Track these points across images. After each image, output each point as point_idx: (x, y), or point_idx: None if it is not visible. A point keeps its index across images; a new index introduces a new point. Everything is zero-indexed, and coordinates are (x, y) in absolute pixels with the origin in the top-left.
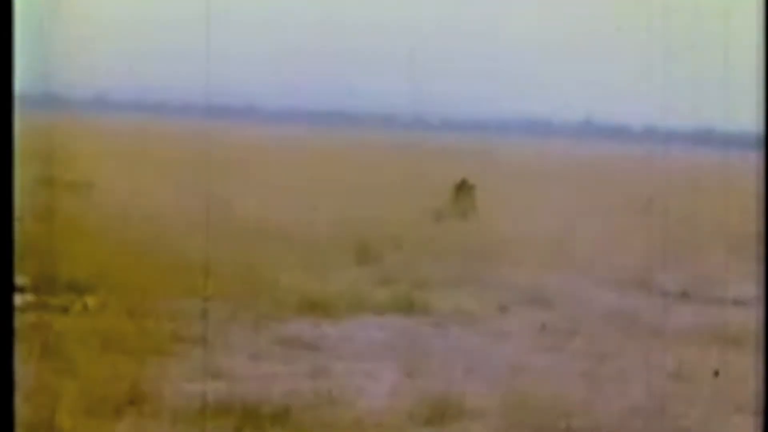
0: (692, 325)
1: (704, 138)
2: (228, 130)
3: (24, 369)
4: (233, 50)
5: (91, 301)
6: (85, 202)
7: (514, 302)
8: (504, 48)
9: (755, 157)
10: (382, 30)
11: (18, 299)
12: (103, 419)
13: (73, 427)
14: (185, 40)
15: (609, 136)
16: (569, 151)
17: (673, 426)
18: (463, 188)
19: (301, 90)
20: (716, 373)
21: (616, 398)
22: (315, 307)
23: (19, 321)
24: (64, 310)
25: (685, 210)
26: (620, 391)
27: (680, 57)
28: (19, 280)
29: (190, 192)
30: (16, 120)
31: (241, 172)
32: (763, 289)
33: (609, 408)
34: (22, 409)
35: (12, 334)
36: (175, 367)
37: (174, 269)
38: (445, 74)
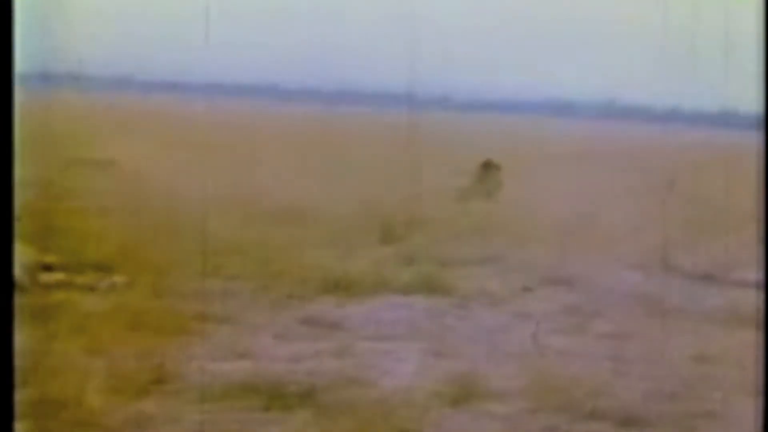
0: (715, 308)
1: (727, 119)
2: (249, 109)
3: (51, 347)
4: (250, 33)
5: (118, 279)
6: (111, 181)
7: (537, 283)
8: (528, 30)
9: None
10: (408, 10)
11: (46, 277)
12: (130, 398)
13: (101, 405)
14: (204, 23)
15: (632, 117)
16: (593, 132)
17: (696, 408)
18: (488, 168)
19: (325, 70)
20: None
21: (640, 380)
22: (339, 287)
23: (48, 299)
24: (92, 288)
25: (708, 191)
26: (644, 372)
27: (703, 39)
28: (48, 258)
29: (214, 171)
30: (42, 99)
31: (264, 151)
32: (764, 278)
33: (632, 389)
34: (49, 386)
35: (11, 321)
36: (201, 346)
37: (199, 248)
38: (467, 56)
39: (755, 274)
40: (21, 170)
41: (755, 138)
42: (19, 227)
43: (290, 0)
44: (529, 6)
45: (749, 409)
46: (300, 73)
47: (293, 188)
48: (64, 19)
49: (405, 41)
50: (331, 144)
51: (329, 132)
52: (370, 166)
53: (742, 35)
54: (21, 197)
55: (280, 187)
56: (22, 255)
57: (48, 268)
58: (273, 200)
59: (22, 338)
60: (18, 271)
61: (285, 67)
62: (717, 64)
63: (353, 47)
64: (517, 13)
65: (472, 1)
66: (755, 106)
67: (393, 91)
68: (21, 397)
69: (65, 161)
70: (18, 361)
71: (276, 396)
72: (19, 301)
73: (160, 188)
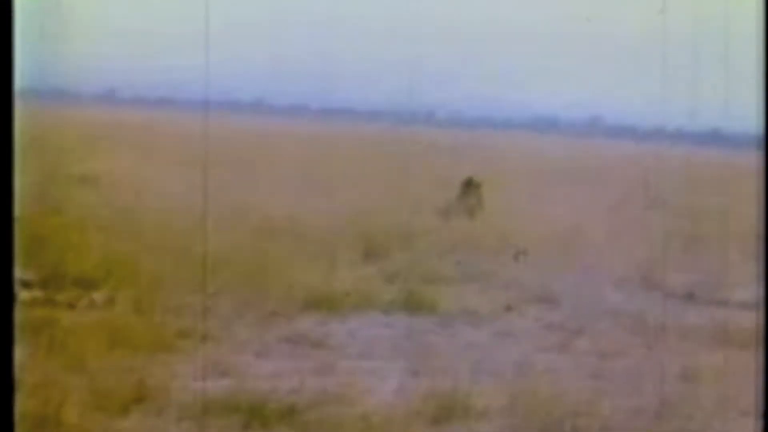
0: (698, 327)
1: (711, 138)
2: (236, 125)
3: (30, 364)
4: (240, 47)
5: (97, 296)
6: (93, 197)
7: (520, 301)
8: (510, 45)
9: (762, 158)
10: (385, 27)
11: (25, 294)
12: (110, 415)
13: (80, 422)
14: (190, 37)
15: (616, 135)
16: (576, 150)
17: (680, 427)
18: (469, 186)
19: (309, 87)
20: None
21: (622, 398)
22: (321, 305)
23: (26, 316)
24: (71, 305)
25: (692, 209)
26: (626, 391)
27: (688, 57)
28: (26, 275)
29: (198, 186)
30: (25, 114)
31: (248, 167)
32: (764, 290)
33: (615, 408)
34: (28, 404)
35: (12, 330)
36: (182, 363)
37: (181, 264)
38: (451, 71)
39: (740, 294)
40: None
41: (742, 157)
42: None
43: (284, 21)
44: (514, 22)
45: (733, 428)
46: (289, 90)
47: (279, 204)
48: (57, 35)
49: (391, 59)
50: (318, 160)
51: (316, 148)
52: (356, 183)
53: (738, 56)
54: None
55: (266, 202)
56: None
57: (27, 285)
58: (259, 215)
59: None
60: None
61: (275, 84)
62: (707, 83)
63: (342, 64)
64: (503, 29)
65: (457, 19)
66: (741, 125)
67: (378, 107)
68: None
69: (53, 176)
70: None
71: (257, 414)
72: None
73: (148, 203)
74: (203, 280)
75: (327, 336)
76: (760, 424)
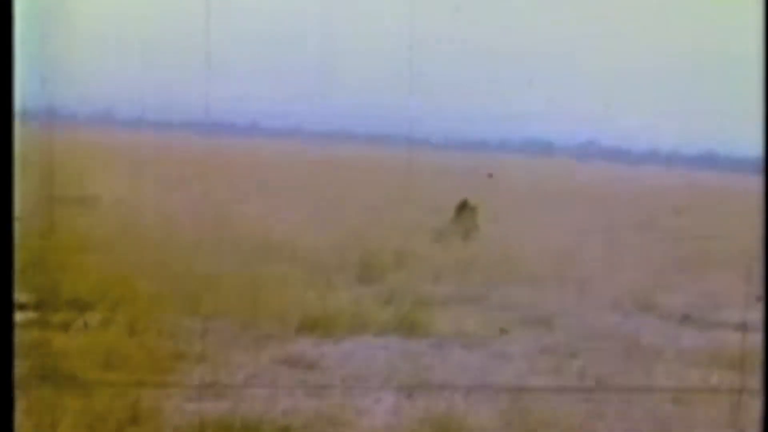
0: (694, 349)
1: (707, 162)
2: (231, 147)
3: (25, 386)
4: (235, 69)
5: (92, 318)
6: (89, 218)
7: (515, 323)
8: (506, 67)
9: (757, 182)
10: (382, 49)
11: (20, 316)
12: None
13: None
14: (187, 57)
15: (611, 158)
16: (572, 172)
17: None
18: (464, 209)
19: (303, 109)
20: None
21: (617, 421)
22: (316, 327)
23: (21, 338)
24: (65, 327)
25: (688, 232)
26: (621, 414)
27: (684, 79)
28: (21, 297)
29: (194, 207)
30: (20, 135)
31: (243, 189)
32: (763, 307)
33: (609, 431)
34: (22, 426)
35: (12, 350)
36: (177, 385)
37: (177, 286)
38: (446, 93)
39: (735, 315)
40: None
41: (737, 180)
42: None
43: (281, 40)
44: (507, 44)
45: None
46: (284, 111)
47: (276, 226)
48: (55, 55)
49: (387, 83)
50: (315, 183)
51: (314, 171)
52: (350, 205)
53: (734, 78)
54: None
55: (263, 224)
56: None
57: (21, 306)
58: (254, 237)
59: None
60: None
61: (271, 104)
62: (699, 106)
63: (340, 88)
64: (497, 51)
65: (452, 40)
66: (736, 148)
67: (375, 131)
68: None
69: (49, 198)
70: None
71: None
72: None
73: (142, 225)
74: (198, 302)
75: (322, 358)
76: None
